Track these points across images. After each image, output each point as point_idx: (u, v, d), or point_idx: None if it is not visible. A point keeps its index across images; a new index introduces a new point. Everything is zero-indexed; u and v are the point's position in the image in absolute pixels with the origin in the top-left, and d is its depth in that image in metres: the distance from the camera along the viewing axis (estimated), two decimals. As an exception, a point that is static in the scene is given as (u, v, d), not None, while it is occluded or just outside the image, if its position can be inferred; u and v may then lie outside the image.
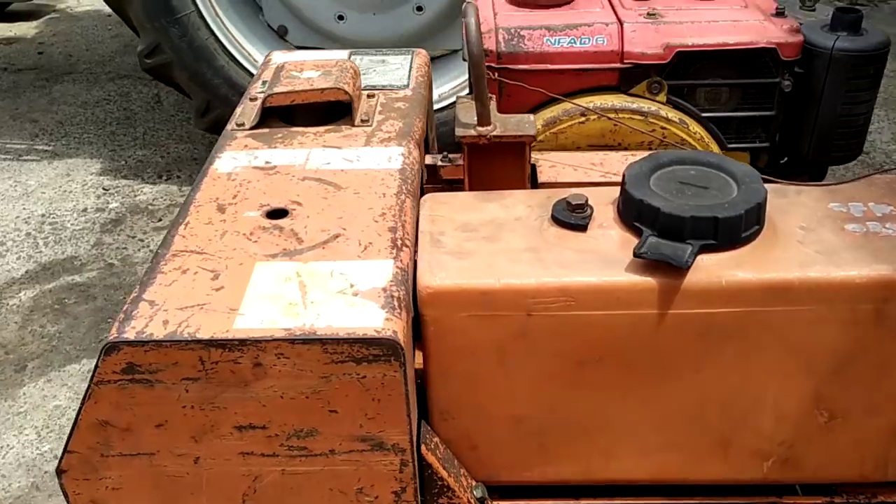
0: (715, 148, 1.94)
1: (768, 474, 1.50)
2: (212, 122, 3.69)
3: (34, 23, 5.88)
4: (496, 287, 1.33)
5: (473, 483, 1.49)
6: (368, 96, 1.89)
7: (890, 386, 1.40)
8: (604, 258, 1.36)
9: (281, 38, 3.71)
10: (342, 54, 2.16)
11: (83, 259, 3.45)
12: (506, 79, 1.94)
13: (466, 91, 2.35)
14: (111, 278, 3.35)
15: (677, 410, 1.44)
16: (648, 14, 1.99)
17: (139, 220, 3.70)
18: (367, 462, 1.35)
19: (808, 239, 1.38)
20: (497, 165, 1.64)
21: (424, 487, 1.40)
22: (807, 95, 2.00)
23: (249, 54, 3.57)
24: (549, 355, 1.38)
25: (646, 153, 1.71)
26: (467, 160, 1.64)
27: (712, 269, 1.32)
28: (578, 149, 1.87)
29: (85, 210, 3.77)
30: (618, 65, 1.93)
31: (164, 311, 1.28)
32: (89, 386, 1.27)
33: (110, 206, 3.81)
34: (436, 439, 1.44)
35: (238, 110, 1.87)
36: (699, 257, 1.32)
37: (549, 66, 1.94)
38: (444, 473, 1.42)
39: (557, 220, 1.42)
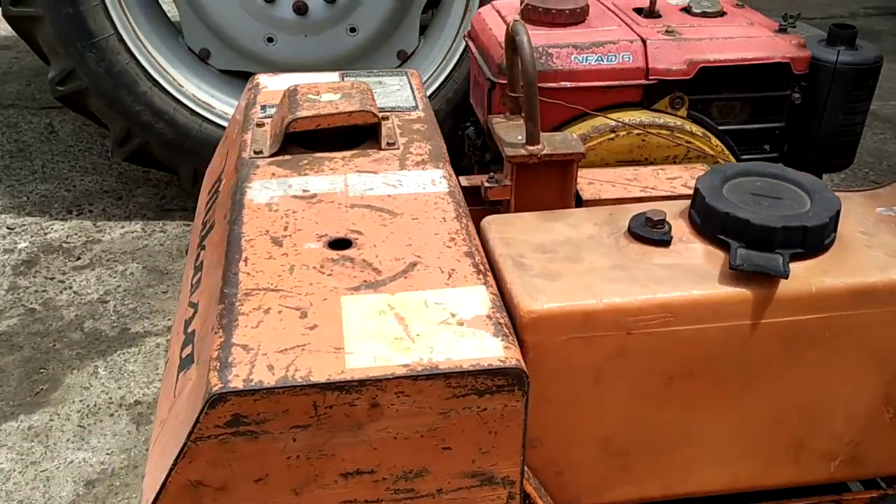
0: (732, 160, 2.00)
1: (834, 473, 1.55)
2: (132, 152, 3.48)
3: None
4: (598, 307, 1.31)
5: (557, 510, 1.46)
6: (383, 118, 1.82)
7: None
8: (694, 272, 1.36)
9: (203, 61, 3.54)
10: (332, 76, 2.08)
11: (-1, 306, 3.16)
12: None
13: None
14: (35, 325, 3.07)
15: (757, 418, 1.46)
16: (667, 31, 2.03)
17: (55, 260, 3.42)
18: (473, 499, 1.29)
19: (874, 243, 1.44)
20: (542, 185, 1.62)
21: (522, 519, 1.36)
22: (810, 107, 2.11)
23: (174, 79, 3.39)
24: (642, 373, 1.37)
25: (678, 167, 1.74)
26: (515, 180, 1.61)
27: (801, 277, 1.35)
28: (607, 165, 1.88)
29: (-10, 252, 3.45)
30: (643, 81, 1.96)
31: (263, 356, 1.17)
32: (185, 444, 1.14)
33: (19, 246, 3.50)
34: (526, 469, 1.40)
35: (245, 138, 1.76)
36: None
37: (578, 84, 1.94)
38: (540, 503, 1.38)
39: (637, 236, 1.41)
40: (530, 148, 1.59)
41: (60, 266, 3.39)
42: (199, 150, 3.46)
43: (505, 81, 1.78)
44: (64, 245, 3.52)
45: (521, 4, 2.09)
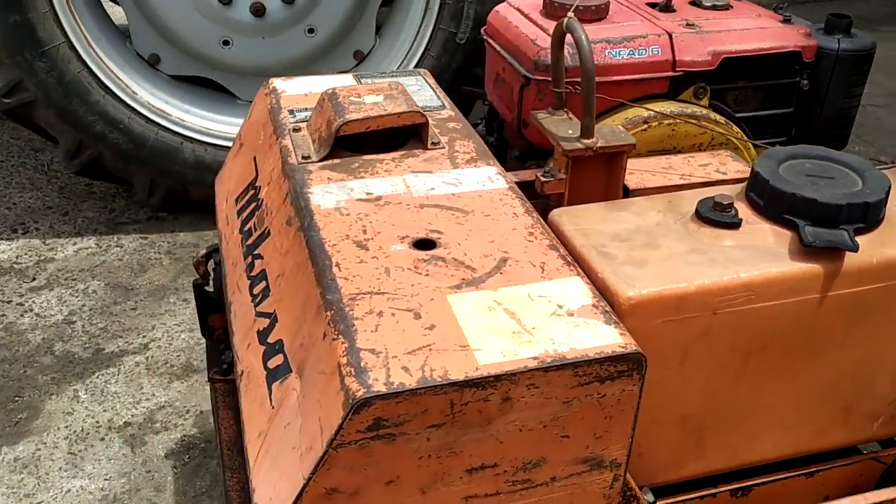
0: (750, 146, 2.11)
1: (876, 432, 1.66)
2: (85, 164, 3.34)
3: None
4: (690, 290, 1.36)
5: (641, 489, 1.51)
6: (422, 119, 1.83)
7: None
8: (767, 251, 1.44)
9: (152, 66, 3.43)
10: (346, 78, 2.07)
11: (-44, 333, 2.97)
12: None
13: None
14: (0, 351, 2.91)
15: (816, 385, 1.55)
16: (688, 24, 2.11)
17: (9, 282, 3.25)
18: (581, 484, 1.33)
19: (917, 215, 1.55)
20: (594, 176, 1.66)
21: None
22: (814, 92, 2.23)
23: (127, 86, 3.27)
24: (723, 350, 1.44)
25: (705, 155, 1.82)
26: (570, 173, 1.65)
27: (863, 249, 1.45)
28: (639, 155, 1.95)
29: (-66, 278, 3.25)
30: (670, 73, 2.04)
31: (394, 359, 1.18)
32: (326, 452, 1.14)
33: (-34, 269, 3.30)
34: (616, 451, 1.44)
35: (285, 143, 1.74)
36: (851, 240, 1.44)
37: (612, 78, 1.99)
38: (632, 484, 1.43)
39: (708, 220, 1.48)
40: (586, 141, 1.64)
41: (15, 288, 3.22)
42: (156, 159, 3.36)
43: (541, 77, 1.81)
44: (15, 266, 3.34)
45: (543, 0, 2.13)
